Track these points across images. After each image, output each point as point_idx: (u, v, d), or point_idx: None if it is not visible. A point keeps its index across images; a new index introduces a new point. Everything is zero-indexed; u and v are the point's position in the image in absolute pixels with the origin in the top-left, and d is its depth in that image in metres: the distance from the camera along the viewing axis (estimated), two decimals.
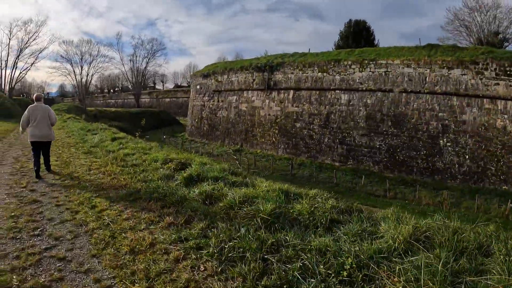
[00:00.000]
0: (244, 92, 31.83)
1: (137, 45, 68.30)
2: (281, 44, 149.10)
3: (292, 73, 27.95)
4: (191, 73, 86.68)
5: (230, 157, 25.25)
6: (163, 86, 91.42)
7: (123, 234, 4.35)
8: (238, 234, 3.83)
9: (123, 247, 4.00)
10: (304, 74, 27.12)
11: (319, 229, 3.90)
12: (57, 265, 3.75)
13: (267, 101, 29.39)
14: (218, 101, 34.70)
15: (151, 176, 6.84)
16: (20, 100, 53.55)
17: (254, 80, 30.66)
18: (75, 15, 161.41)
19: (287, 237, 3.65)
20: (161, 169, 7.19)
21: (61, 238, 4.38)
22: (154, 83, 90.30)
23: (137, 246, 3.99)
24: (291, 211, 4.32)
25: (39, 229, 4.65)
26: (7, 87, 51.42)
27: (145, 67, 69.57)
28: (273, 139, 28.70)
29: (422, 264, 2.77)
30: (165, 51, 76.47)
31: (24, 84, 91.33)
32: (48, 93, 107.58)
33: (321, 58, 27.11)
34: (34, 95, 9.10)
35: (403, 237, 3.32)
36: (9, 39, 50.45)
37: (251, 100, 31.09)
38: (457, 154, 20.35)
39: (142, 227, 4.54)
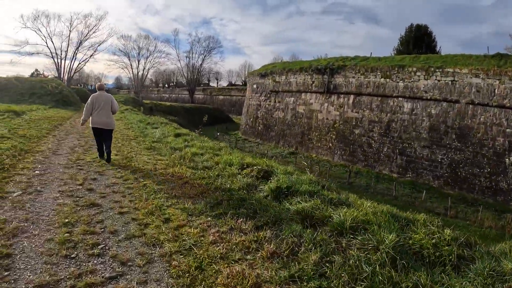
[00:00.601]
0: (302, 94, 32.39)
1: (194, 42, 71.92)
2: (336, 47, 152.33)
3: (354, 77, 28.17)
4: (246, 72, 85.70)
5: (285, 160, 25.98)
6: (217, 83, 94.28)
7: (214, 266, 3.57)
8: (364, 273, 3.30)
9: (218, 287, 3.22)
10: (366, 79, 27.30)
11: (446, 267, 3.56)
12: None
13: (325, 104, 29.91)
14: (275, 102, 35.58)
15: (229, 183, 6.27)
16: (78, 89, 56.59)
17: (313, 82, 31.19)
18: (132, 12, 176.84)
19: (420, 279, 3.21)
20: (240, 176, 6.70)
21: (129, 263, 3.67)
22: (209, 80, 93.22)
23: (237, 287, 3.18)
24: (410, 242, 3.93)
25: (99, 246, 3.97)
26: (65, 77, 54.12)
27: (201, 64, 72.32)
28: (330, 144, 29.08)
29: None
30: (221, 49, 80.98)
31: (82, 74, 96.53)
32: (105, 84, 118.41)
33: (384, 63, 27.33)
34: (97, 84, 9.67)
35: None
36: (70, 31, 53.59)
37: (309, 102, 31.70)
38: None
39: (237, 257, 3.77)
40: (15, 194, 5.62)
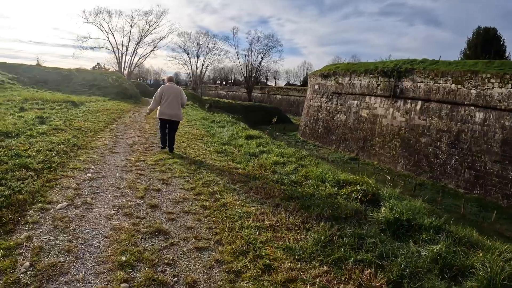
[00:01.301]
0: (366, 97, 32.46)
1: (253, 40, 72.62)
2: (393, 50, 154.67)
3: (422, 81, 27.89)
4: (305, 73, 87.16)
5: (346, 166, 25.79)
6: (275, 82, 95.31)
7: None
8: None
9: None
10: (436, 84, 27.02)
11: None
12: None
13: (391, 109, 29.95)
14: (337, 104, 35.74)
15: (331, 209, 5.11)
16: (138, 83, 58.95)
17: (378, 85, 31.26)
18: (190, 10, 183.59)
19: None
20: (339, 197, 5.67)
21: None
22: (266, 79, 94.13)
23: None
24: None
25: None
26: (126, 71, 56.80)
27: (260, 62, 73.38)
28: (393, 152, 29.07)
29: None
30: (280, 48, 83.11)
31: (141, 69, 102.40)
32: (163, 80, 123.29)
33: (455, 68, 26.81)
34: (167, 76, 10.12)
35: None
36: (131, 27, 56.47)
37: (373, 106, 31.73)
38: None
39: None
40: (58, 207, 4.72)
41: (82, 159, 7.39)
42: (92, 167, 6.93)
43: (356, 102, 33.45)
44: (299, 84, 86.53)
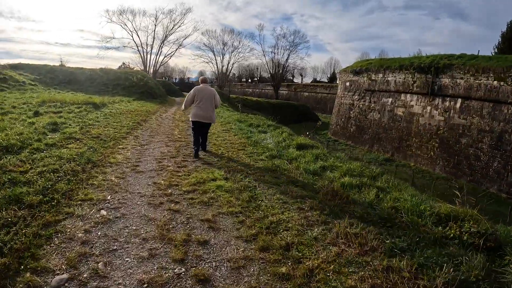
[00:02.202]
0: (402, 94, 31.38)
1: (279, 37, 71.76)
2: (420, 45, 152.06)
3: (462, 78, 26.79)
4: (332, 69, 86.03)
5: (382, 168, 26.63)
6: (301, 79, 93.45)
7: None
8: None
9: None
10: (476, 81, 25.87)
11: None
12: None
13: (428, 108, 28.95)
14: (370, 102, 34.75)
15: (448, 267, 3.44)
16: (163, 82, 58.59)
17: (414, 82, 30.18)
18: (213, 9, 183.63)
19: None
20: (451, 243, 4.07)
21: None
22: (293, 76, 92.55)
23: None
24: None
25: None
26: (151, 70, 57.25)
27: (286, 59, 72.13)
28: (431, 153, 28.05)
29: None
30: (307, 44, 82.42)
31: (166, 68, 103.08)
32: (188, 78, 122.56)
33: (497, 64, 25.66)
34: (200, 78, 9.99)
35: None
36: (155, 25, 57.03)
37: (409, 104, 30.72)
38: None
39: None
40: (54, 283, 3.06)
41: (96, 184, 5.76)
42: (109, 197, 5.24)
43: (390, 99, 32.53)
44: (326, 81, 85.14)
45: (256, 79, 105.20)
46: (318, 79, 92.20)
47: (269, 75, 78.30)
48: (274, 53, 72.49)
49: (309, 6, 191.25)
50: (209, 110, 9.28)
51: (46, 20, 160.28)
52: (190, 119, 9.34)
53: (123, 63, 59.91)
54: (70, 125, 10.80)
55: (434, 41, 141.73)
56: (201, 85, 9.60)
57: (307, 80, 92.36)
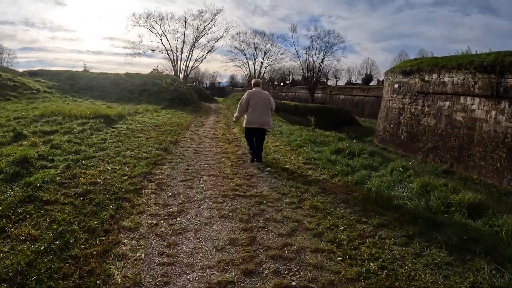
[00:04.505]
0: (461, 97, 29.06)
1: (314, 38, 70.13)
2: (451, 42, 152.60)
3: None
4: (367, 70, 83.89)
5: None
6: (336, 81, 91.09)
7: None
8: None
9: None
10: None
11: None
12: None
13: (493, 112, 26.32)
14: (423, 106, 32.64)
15: None
16: (195, 87, 57.07)
17: (475, 83, 27.89)
18: (240, 13, 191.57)
19: None
20: None
21: None
22: (327, 79, 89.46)
23: None
24: None
25: None
26: (181, 75, 57.66)
27: (322, 61, 70.51)
28: (498, 164, 25.55)
29: None
30: (343, 44, 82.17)
31: (197, 73, 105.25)
32: (219, 83, 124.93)
33: None
34: (253, 81, 9.59)
35: None
36: (184, 28, 58.32)
37: (470, 108, 28.31)
38: None
39: None
40: None
41: None
42: None
43: (447, 103, 29.70)
44: (360, 82, 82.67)
45: (288, 82, 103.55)
46: (353, 81, 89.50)
47: (302, 78, 76.40)
48: (309, 55, 70.68)
49: (336, 7, 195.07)
50: (265, 115, 8.97)
51: (78, 29, 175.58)
52: (244, 126, 9.04)
53: (154, 69, 59.71)
54: (53, 160, 7.20)
55: (467, 37, 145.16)
56: (253, 88, 9.22)
57: (341, 82, 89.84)
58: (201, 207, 5.81)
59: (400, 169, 8.57)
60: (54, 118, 12.63)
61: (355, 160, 9.79)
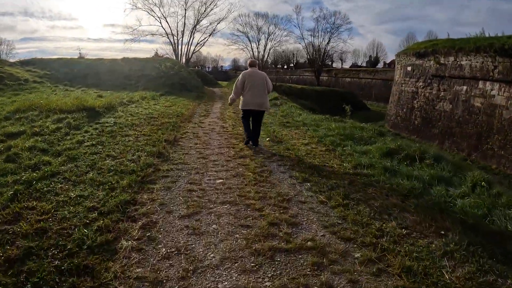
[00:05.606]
0: (480, 82, 27.75)
1: (319, 19, 68.90)
2: (457, 25, 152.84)
3: None
4: (374, 52, 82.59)
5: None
6: (341, 64, 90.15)
7: None
8: None
9: None
10: None
11: None
12: None
13: None
14: (439, 90, 31.58)
15: None
16: (198, 71, 56.41)
17: (495, 67, 26.46)
18: None
19: None
20: None
21: None
22: (332, 61, 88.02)
23: None
24: None
25: None
26: (183, 59, 54.58)
27: (327, 43, 68.95)
28: None
29: None
30: (349, 25, 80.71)
31: (199, 57, 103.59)
32: (221, 66, 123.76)
33: None
34: (249, 60, 9.43)
35: None
36: (185, 9, 54.93)
37: (489, 94, 27.02)
38: None
39: None
40: None
41: None
42: None
43: (465, 88, 28.41)
44: (365, 65, 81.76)
45: (292, 65, 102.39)
46: (359, 63, 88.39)
47: (307, 61, 74.81)
48: (314, 37, 69.32)
49: None
50: (263, 96, 8.78)
51: (78, 17, 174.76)
52: (241, 108, 8.87)
53: (155, 53, 58.23)
54: None
55: (473, 20, 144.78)
56: (249, 69, 9.01)
57: (346, 65, 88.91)
58: (218, 285, 3.31)
59: (483, 183, 6.36)
60: (29, 113, 10.69)
61: (417, 167, 7.52)
